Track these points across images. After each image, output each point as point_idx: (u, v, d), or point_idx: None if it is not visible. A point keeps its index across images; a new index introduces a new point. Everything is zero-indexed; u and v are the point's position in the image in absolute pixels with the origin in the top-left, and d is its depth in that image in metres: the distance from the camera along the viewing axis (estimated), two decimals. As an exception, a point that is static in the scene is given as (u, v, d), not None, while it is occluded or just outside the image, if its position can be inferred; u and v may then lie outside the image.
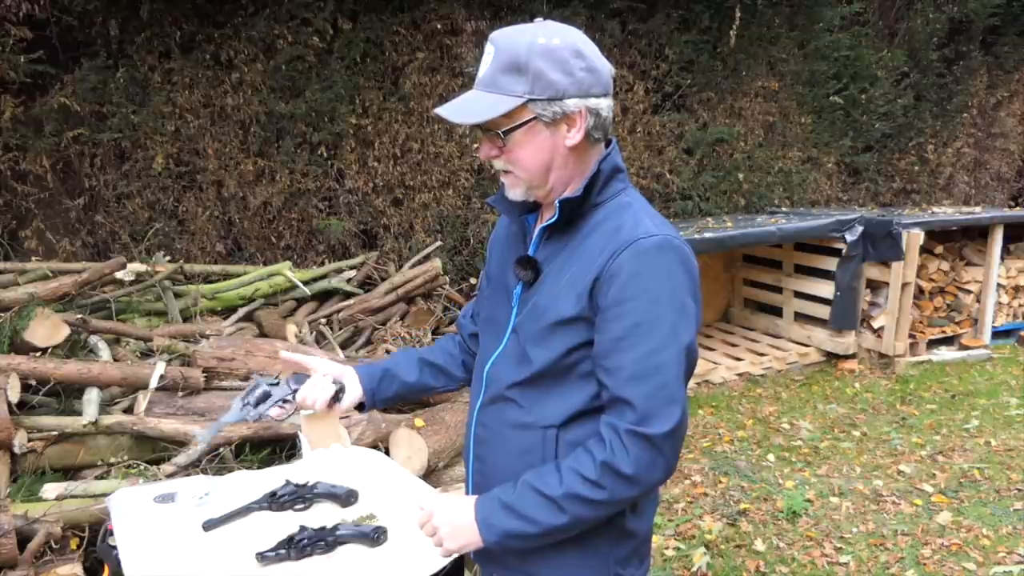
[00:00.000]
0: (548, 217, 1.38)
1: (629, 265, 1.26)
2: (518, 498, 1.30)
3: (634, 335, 1.25)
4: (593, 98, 1.30)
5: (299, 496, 1.87)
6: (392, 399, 1.65)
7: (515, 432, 1.39)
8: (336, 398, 1.54)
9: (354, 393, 1.58)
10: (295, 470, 2.09)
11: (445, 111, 1.32)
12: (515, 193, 1.38)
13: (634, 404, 1.25)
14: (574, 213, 1.36)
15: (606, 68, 1.34)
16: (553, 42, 1.27)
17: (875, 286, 6.14)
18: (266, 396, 1.53)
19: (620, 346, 1.26)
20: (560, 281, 1.34)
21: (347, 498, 1.89)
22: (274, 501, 1.85)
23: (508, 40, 1.28)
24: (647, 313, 1.25)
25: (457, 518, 1.35)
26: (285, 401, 1.53)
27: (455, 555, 1.42)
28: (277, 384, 1.54)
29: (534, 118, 1.29)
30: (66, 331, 3.48)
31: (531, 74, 1.26)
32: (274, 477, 2.02)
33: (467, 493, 1.54)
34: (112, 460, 3.06)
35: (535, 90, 1.27)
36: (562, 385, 1.35)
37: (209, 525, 1.76)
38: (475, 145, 6.15)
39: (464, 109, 1.31)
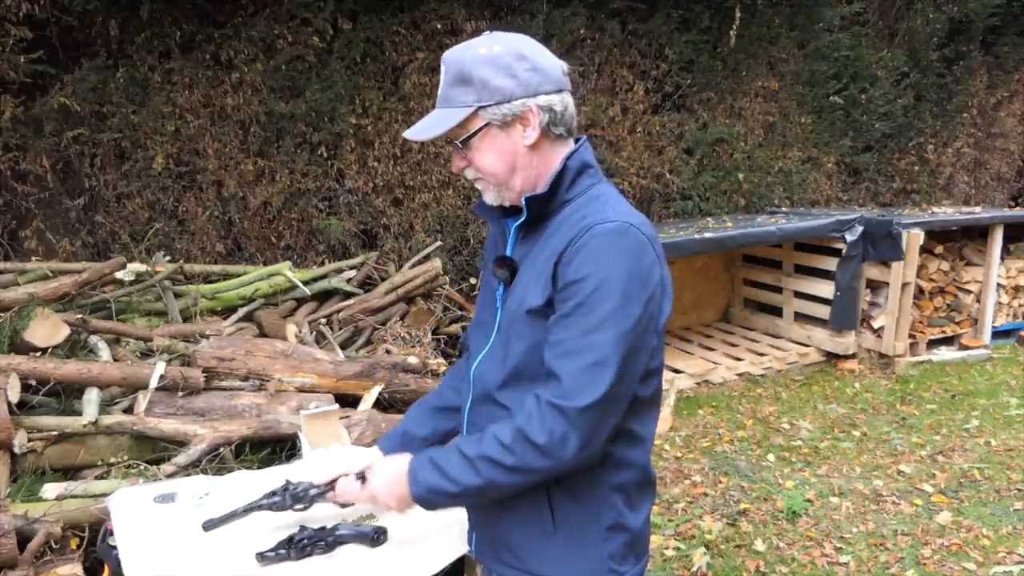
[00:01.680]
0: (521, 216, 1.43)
1: (584, 249, 1.30)
2: (444, 457, 1.37)
3: (576, 313, 1.29)
4: (543, 95, 1.35)
5: (299, 502, 1.83)
6: None
7: None
8: None
9: None
10: (295, 470, 2.09)
11: (409, 132, 1.39)
12: (490, 197, 1.45)
13: (560, 378, 1.28)
14: (543, 210, 1.40)
15: (555, 66, 1.38)
16: (494, 50, 1.34)
17: (875, 286, 6.14)
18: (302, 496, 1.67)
19: (562, 323, 1.30)
20: (531, 275, 1.38)
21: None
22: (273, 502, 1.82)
23: (455, 56, 1.36)
24: (592, 294, 1.28)
25: (390, 475, 1.43)
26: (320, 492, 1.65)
27: (394, 512, 1.48)
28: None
29: (487, 124, 1.35)
30: (66, 331, 3.48)
31: (476, 83, 1.33)
32: (274, 477, 2.02)
33: None
34: (112, 460, 3.05)
35: (483, 97, 1.33)
36: (539, 380, 1.36)
37: (208, 525, 1.76)
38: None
39: (424, 127, 1.38)
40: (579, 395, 1.26)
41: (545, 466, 1.30)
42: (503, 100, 1.33)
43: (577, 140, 1.44)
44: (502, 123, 1.35)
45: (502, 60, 1.33)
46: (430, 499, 1.39)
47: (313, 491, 1.63)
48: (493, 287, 1.50)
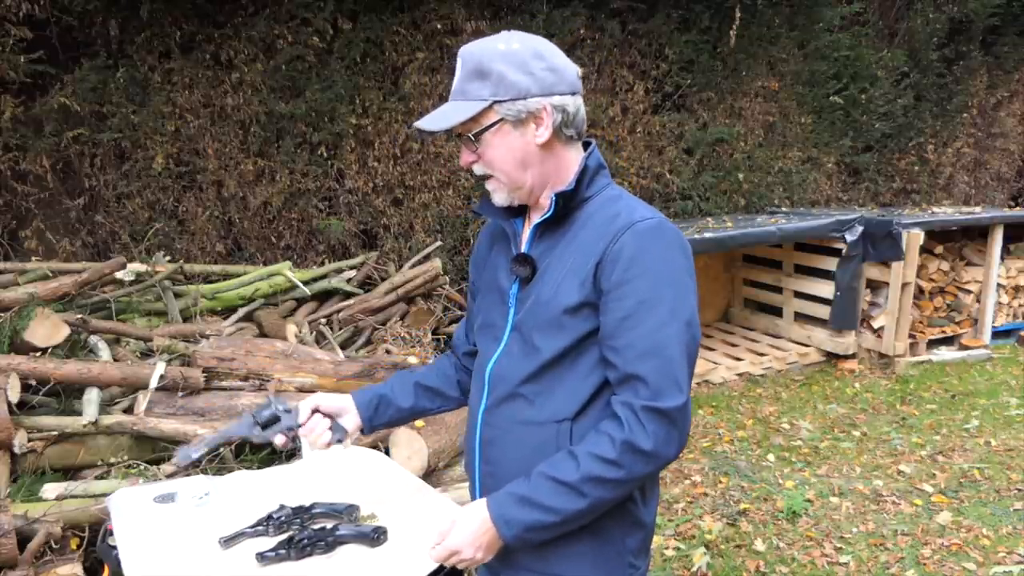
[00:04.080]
0: (542, 213, 1.42)
1: (629, 247, 1.31)
2: (534, 489, 1.32)
3: (638, 313, 1.30)
4: (557, 96, 1.36)
5: (297, 517, 1.79)
6: (388, 424, 1.72)
7: (526, 429, 1.40)
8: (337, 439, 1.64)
9: (352, 425, 1.66)
10: (294, 470, 2.09)
11: (421, 122, 1.38)
12: (499, 198, 1.44)
13: (647, 380, 1.29)
14: (567, 207, 1.40)
15: (570, 68, 1.39)
16: (513, 47, 1.34)
17: (875, 286, 6.14)
18: (275, 420, 1.63)
19: (626, 324, 1.31)
20: (561, 272, 1.38)
21: (349, 513, 1.83)
22: (271, 524, 1.77)
23: (472, 51, 1.36)
24: (649, 292, 1.30)
25: (472, 525, 1.35)
26: (290, 429, 1.62)
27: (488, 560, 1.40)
28: (289, 412, 1.64)
29: (501, 119, 1.35)
30: (66, 331, 3.48)
31: (494, 77, 1.33)
32: (274, 477, 2.02)
33: (473, 498, 1.54)
34: (112, 460, 3.06)
35: (499, 92, 1.33)
36: (570, 376, 1.37)
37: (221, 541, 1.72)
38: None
39: (436, 118, 1.38)
40: (671, 393, 1.29)
41: (650, 470, 1.31)
42: (519, 97, 1.33)
43: (586, 143, 1.46)
44: (516, 120, 1.35)
45: (520, 57, 1.34)
46: (527, 537, 1.33)
47: (282, 411, 1.62)
48: (501, 287, 1.48)
